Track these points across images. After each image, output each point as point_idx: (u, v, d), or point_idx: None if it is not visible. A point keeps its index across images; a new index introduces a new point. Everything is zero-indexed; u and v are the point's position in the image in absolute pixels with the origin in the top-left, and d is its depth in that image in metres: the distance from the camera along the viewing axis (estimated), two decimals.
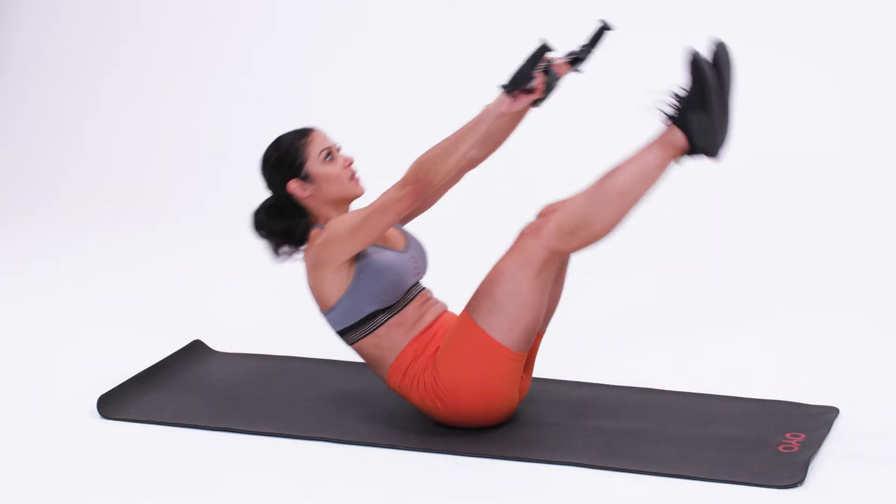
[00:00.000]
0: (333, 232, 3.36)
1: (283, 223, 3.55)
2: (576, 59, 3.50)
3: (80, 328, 4.54)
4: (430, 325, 3.49)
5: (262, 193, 3.63)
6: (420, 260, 3.58)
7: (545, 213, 3.41)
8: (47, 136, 6.93)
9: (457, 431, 3.45)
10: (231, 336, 4.36)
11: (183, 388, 3.83)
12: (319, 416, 3.61)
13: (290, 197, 3.50)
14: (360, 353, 3.49)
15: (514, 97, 3.27)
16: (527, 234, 3.34)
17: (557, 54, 3.43)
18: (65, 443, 3.49)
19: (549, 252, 3.31)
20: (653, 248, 5.30)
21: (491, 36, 6.36)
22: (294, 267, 5.14)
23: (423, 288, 3.56)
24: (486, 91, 6.14)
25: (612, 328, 4.33)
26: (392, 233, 3.58)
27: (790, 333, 4.43)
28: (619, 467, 3.24)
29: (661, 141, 3.32)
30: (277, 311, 4.72)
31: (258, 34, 6.82)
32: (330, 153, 3.50)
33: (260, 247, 3.72)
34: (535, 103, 3.42)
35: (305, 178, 3.48)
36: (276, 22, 6.80)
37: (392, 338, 3.43)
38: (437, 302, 3.57)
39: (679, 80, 3.35)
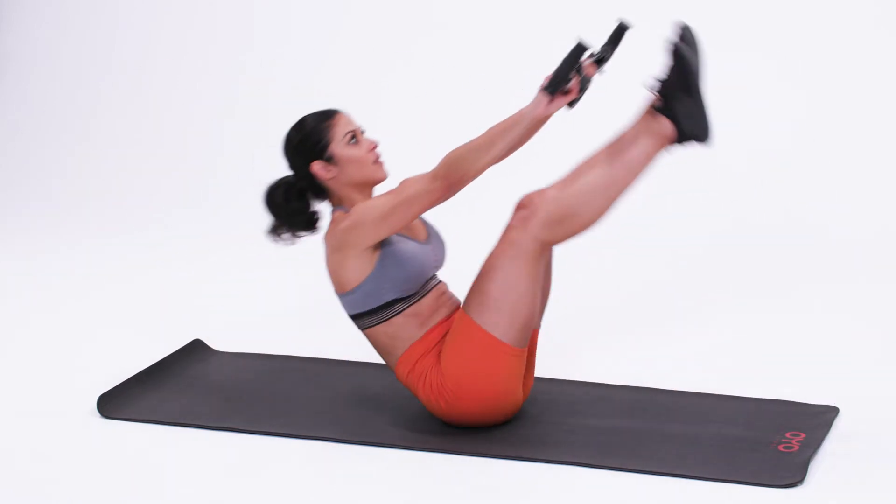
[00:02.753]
0: (361, 217, 3.35)
1: (299, 204, 3.54)
2: (600, 60, 3.36)
3: (79, 327, 4.56)
4: (444, 321, 3.47)
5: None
6: (439, 252, 3.56)
7: (523, 205, 3.38)
8: (45, 133, 6.96)
9: (458, 431, 3.46)
10: (230, 335, 4.37)
11: (183, 388, 3.83)
12: (320, 416, 3.61)
13: (313, 178, 3.48)
14: (372, 339, 3.48)
15: (552, 99, 3.23)
16: (514, 226, 3.31)
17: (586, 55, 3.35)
18: (64, 442, 3.50)
19: (538, 243, 3.30)
20: (649, 246, 5.32)
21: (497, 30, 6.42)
22: (294, 266, 5.19)
23: (440, 281, 3.55)
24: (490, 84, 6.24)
25: (612, 328, 4.33)
26: (415, 222, 3.57)
27: (790, 332, 4.45)
28: (619, 467, 3.24)
29: (647, 131, 3.31)
30: (277, 311, 4.72)
31: (255, 32, 6.89)
32: (354, 136, 3.49)
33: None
34: (570, 105, 3.32)
35: (329, 160, 3.46)
36: (275, 17, 6.87)
37: (406, 328, 3.42)
38: (452, 297, 3.55)
39: (655, 69, 3.36)
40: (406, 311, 3.42)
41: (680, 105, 3.25)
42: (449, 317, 3.48)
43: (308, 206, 3.54)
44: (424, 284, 3.47)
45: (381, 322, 3.42)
